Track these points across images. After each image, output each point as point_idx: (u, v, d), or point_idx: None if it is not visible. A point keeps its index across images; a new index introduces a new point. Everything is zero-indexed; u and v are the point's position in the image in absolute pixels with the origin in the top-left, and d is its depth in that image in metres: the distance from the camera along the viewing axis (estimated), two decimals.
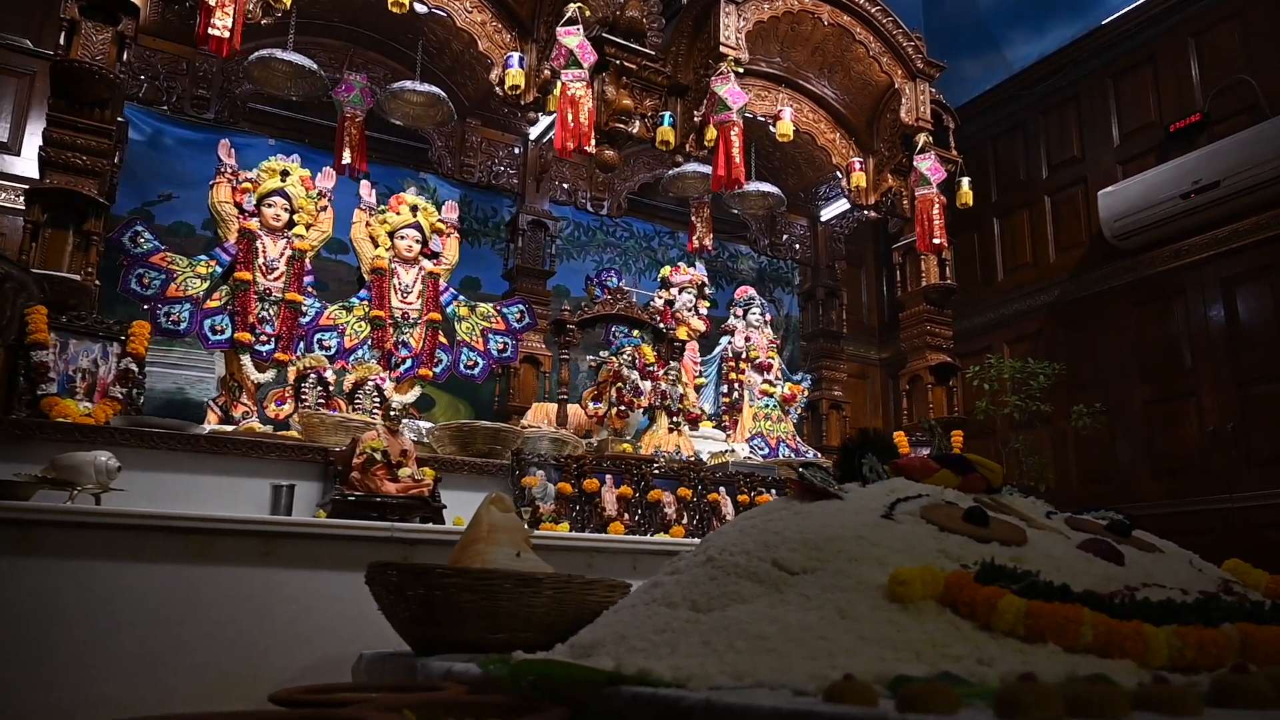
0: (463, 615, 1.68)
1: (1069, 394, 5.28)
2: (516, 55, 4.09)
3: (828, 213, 6.22)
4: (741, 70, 4.28)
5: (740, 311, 5.45)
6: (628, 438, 3.90)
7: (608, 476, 3.29)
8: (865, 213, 5.62)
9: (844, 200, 5.80)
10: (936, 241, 4.86)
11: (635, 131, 4.49)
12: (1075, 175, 6.16)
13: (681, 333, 5.05)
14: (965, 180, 5.23)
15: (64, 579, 2.18)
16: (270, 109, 4.83)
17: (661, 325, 4.59)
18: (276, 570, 2.40)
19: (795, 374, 5.81)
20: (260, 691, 2.22)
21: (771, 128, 4.83)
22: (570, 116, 3.66)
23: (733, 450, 4.59)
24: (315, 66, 4.19)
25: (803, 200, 6.13)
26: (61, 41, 3.12)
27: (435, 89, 4.52)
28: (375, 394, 3.84)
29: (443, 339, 4.29)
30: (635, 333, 4.31)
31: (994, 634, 1.04)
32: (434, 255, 4.39)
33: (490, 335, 4.36)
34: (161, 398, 4.24)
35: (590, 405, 3.88)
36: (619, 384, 3.81)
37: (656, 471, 3.31)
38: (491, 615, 1.70)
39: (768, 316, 5.54)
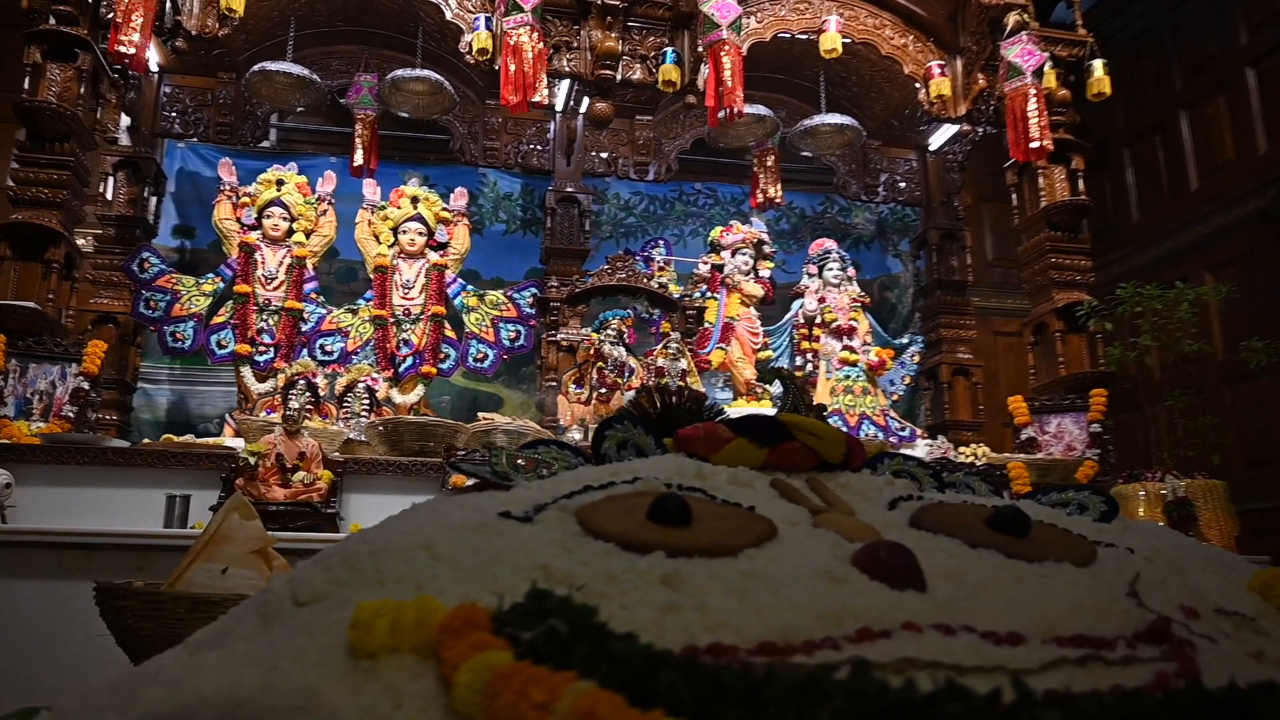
0: (140, 642, 1.61)
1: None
2: (483, 18, 4.01)
3: (937, 139, 5.51)
4: None
5: (814, 269, 4.96)
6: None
7: None
8: (980, 130, 4.91)
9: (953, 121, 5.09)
10: (1036, 145, 4.11)
11: (636, 77, 4.25)
12: None
13: (734, 300, 4.70)
14: (1098, 63, 4.41)
15: None
16: (327, 127, 5.17)
17: (679, 293, 4.29)
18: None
19: (900, 338, 5.20)
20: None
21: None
22: (514, 66, 3.52)
23: None
24: (309, 74, 4.39)
25: (898, 129, 5.48)
26: (26, 85, 3.49)
27: (436, 75, 4.56)
28: (366, 396, 3.93)
29: (450, 333, 4.31)
30: (652, 307, 4.05)
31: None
32: (441, 246, 4.42)
33: (501, 324, 4.31)
34: (196, 415, 4.64)
35: (572, 389, 3.69)
36: (600, 363, 3.58)
37: None
38: (169, 643, 1.61)
39: (850, 272, 4.99)
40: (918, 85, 4.70)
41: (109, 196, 4.38)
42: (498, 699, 0.56)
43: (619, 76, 4.21)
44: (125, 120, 4.43)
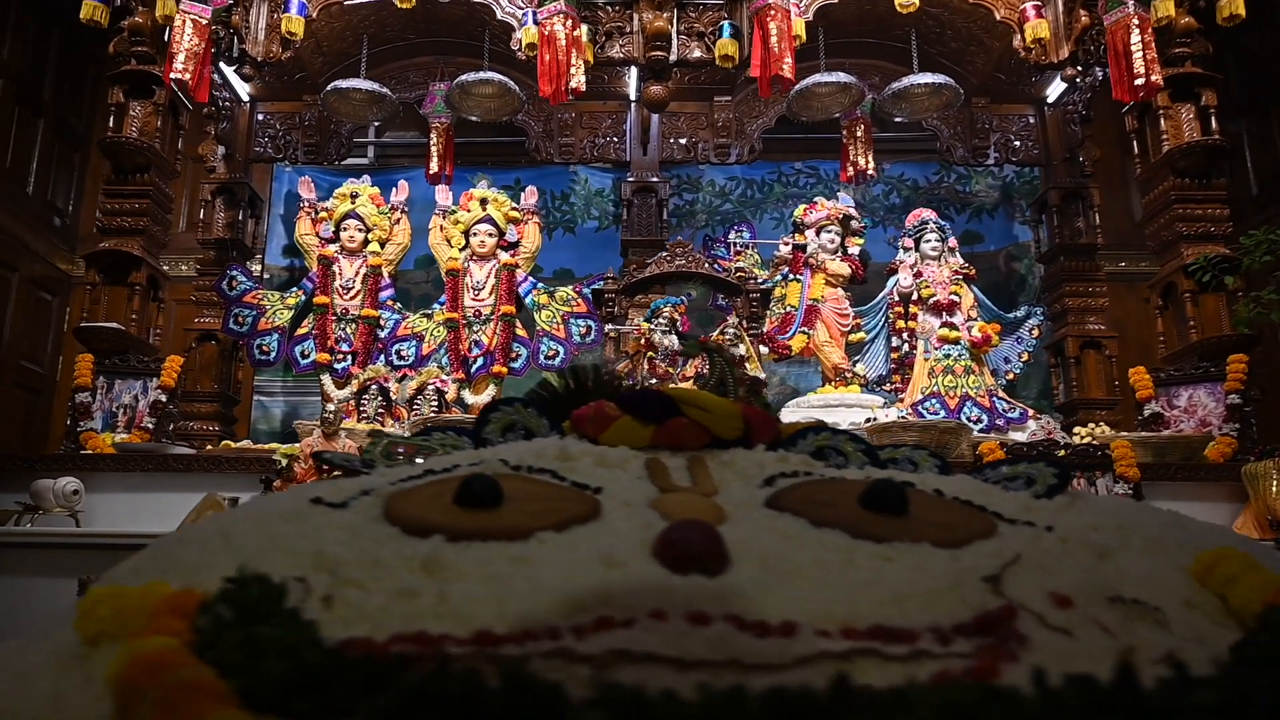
0: None
1: None
2: (531, 12, 4.03)
3: (1055, 90, 5.06)
4: None
5: (910, 242, 4.67)
6: None
7: None
8: (1088, 74, 4.47)
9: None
10: (1141, 83, 3.68)
11: (694, 56, 4.16)
12: None
13: (818, 281, 4.49)
14: None
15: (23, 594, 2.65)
16: (423, 139, 5.39)
17: (763, 277, 4.14)
18: None
19: (1016, 310, 4.79)
20: None
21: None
22: (549, 57, 3.52)
23: (873, 419, 3.92)
24: (379, 88, 4.59)
25: (1007, 83, 5.07)
26: (110, 123, 3.84)
27: (500, 77, 4.64)
28: (435, 398, 4.04)
29: (521, 331, 4.36)
30: (716, 292, 3.94)
31: None
32: (511, 246, 4.49)
33: (572, 320, 4.32)
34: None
35: (625, 381, 3.62)
36: (650, 353, 3.51)
37: None
38: None
39: (951, 242, 4.66)
40: (1013, 31, 4.31)
41: (209, 221, 4.72)
42: (120, 683, 0.54)
43: (674, 57, 4.13)
44: (221, 149, 4.79)
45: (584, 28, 3.98)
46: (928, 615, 0.65)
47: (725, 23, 4.05)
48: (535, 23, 3.95)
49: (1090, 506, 0.98)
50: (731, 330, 3.62)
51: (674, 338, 3.51)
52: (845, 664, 0.58)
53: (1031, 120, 5.23)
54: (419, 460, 1.22)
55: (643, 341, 3.56)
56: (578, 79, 3.54)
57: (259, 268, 5.77)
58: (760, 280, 4.62)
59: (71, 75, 5.53)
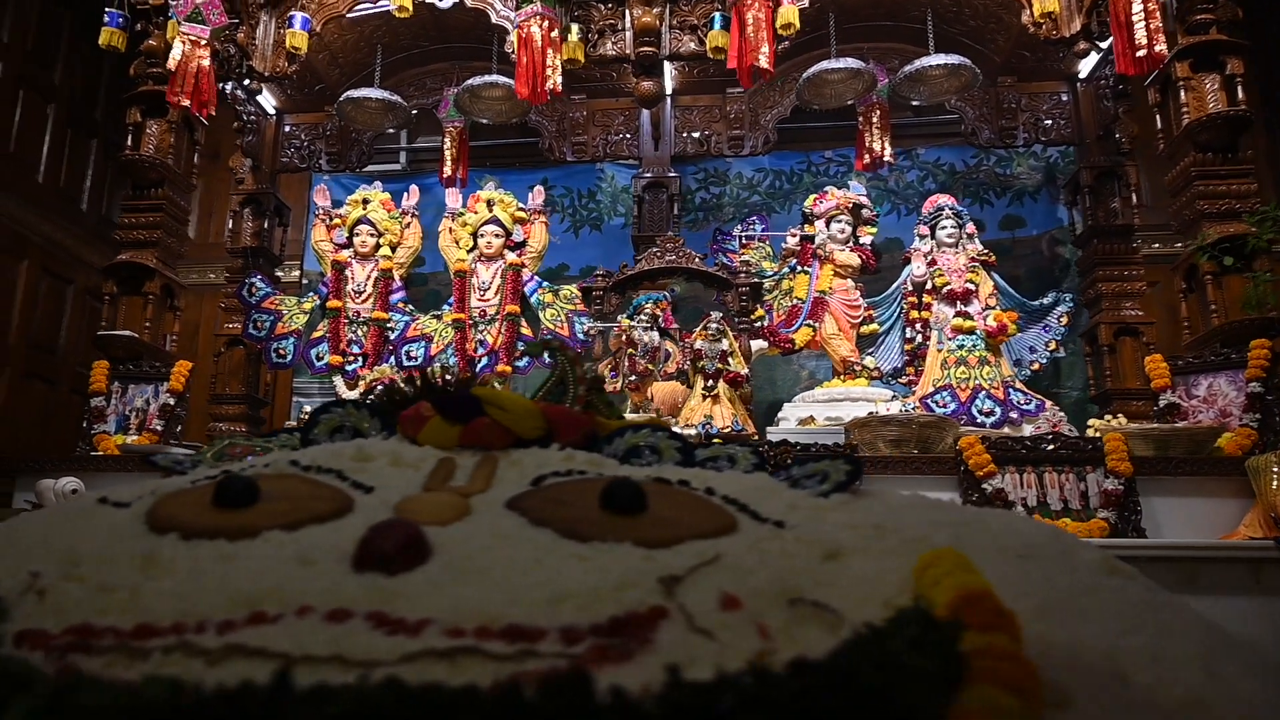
0: None
1: None
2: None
3: (1087, 65, 4.87)
4: None
5: (925, 229, 4.57)
6: (651, 411, 3.60)
7: None
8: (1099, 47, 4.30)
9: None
10: (1142, 54, 3.52)
11: (687, 49, 4.18)
12: None
13: (826, 273, 4.45)
14: None
15: None
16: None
17: (772, 270, 4.13)
18: None
19: (1043, 297, 4.63)
20: None
21: None
22: (525, 59, 3.60)
23: (873, 413, 3.87)
24: (389, 95, 4.77)
25: (1033, 60, 4.90)
26: (129, 142, 4.11)
27: (506, 80, 4.75)
28: None
29: (526, 330, 4.46)
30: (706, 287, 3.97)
31: None
32: (518, 246, 4.60)
33: (575, 318, 4.40)
34: None
35: (608, 377, 3.68)
36: (631, 350, 3.55)
37: None
38: None
39: (968, 228, 4.54)
40: (1023, 5, 4.18)
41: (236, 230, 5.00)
42: None
43: (667, 51, 4.16)
44: (248, 162, 5.05)
45: (575, 27, 4.05)
46: (573, 616, 0.67)
47: (716, 14, 4.06)
48: (514, 25, 4.05)
49: (865, 505, 0.98)
50: (714, 325, 3.63)
51: (655, 334, 3.55)
52: (447, 661, 0.62)
53: (1064, 98, 5.04)
54: (249, 460, 1.31)
55: (624, 338, 3.61)
56: (553, 80, 3.61)
57: (297, 273, 6.07)
58: (769, 273, 4.61)
59: (121, 98, 5.93)
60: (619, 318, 3.77)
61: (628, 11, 4.14)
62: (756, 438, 3.49)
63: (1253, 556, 2.76)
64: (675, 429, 3.38)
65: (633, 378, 3.56)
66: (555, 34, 3.69)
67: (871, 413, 3.85)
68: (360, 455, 1.15)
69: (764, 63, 3.56)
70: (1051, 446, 3.15)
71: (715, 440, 3.17)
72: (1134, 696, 0.62)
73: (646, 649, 0.59)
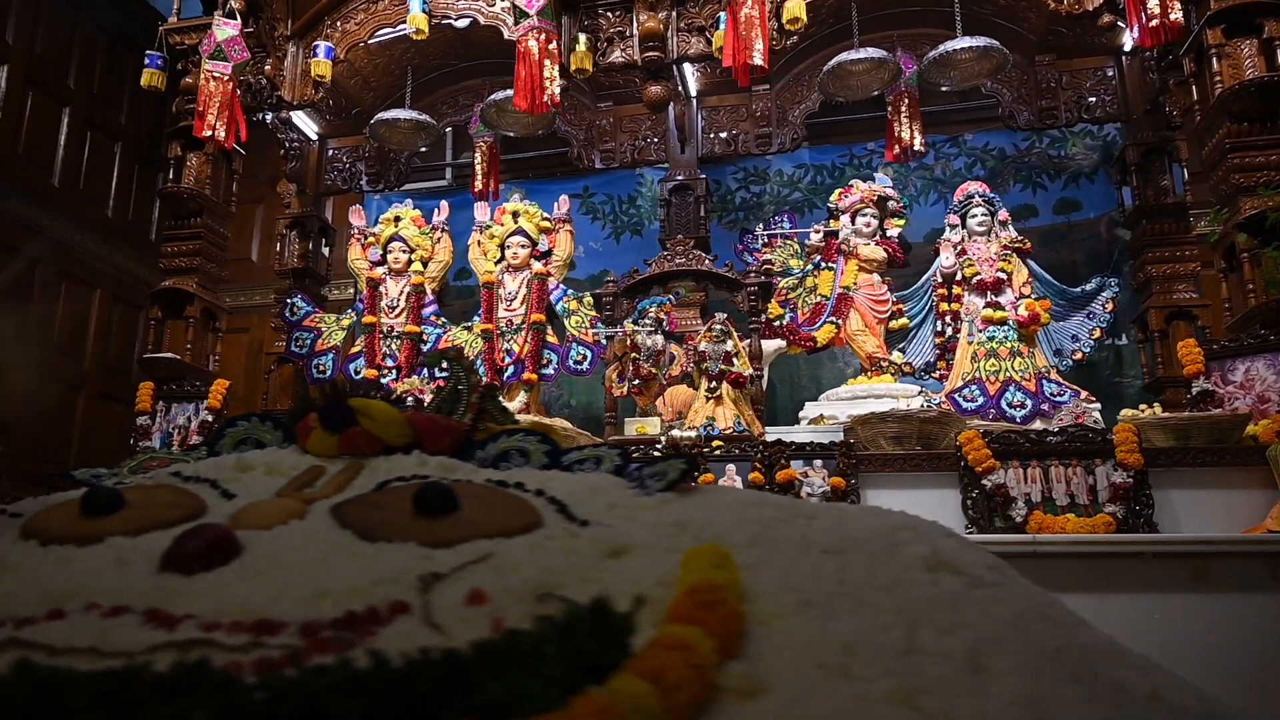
0: None
1: None
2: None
3: (1131, 39, 4.67)
4: None
5: (956, 218, 4.47)
6: (656, 414, 3.64)
7: None
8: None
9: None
10: (1155, 24, 3.38)
11: (694, 50, 4.23)
12: None
13: (851, 268, 4.41)
14: None
15: None
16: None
17: (798, 268, 4.13)
18: None
19: (1085, 284, 4.46)
20: None
21: None
22: (523, 72, 3.72)
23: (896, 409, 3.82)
24: (418, 115, 4.97)
25: (1071, 36, 4.74)
26: (170, 175, 4.42)
27: None
28: None
29: (552, 338, 4.57)
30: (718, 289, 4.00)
31: None
32: (544, 256, 4.72)
33: (598, 324, 4.49)
34: None
35: (616, 383, 3.74)
36: (635, 354, 3.61)
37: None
38: None
39: (1001, 215, 4.42)
40: None
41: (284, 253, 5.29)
42: None
43: (674, 54, 4.21)
44: (293, 187, 5.34)
45: (583, 37, 4.14)
46: (324, 611, 0.75)
47: (721, 15, 4.08)
48: (514, 40, 4.17)
49: (684, 504, 1.03)
50: (718, 327, 3.65)
51: (659, 338, 3.60)
52: (182, 652, 0.70)
53: (1109, 73, 4.85)
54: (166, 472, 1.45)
55: (629, 343, 3.67)
56: (551, 91, 3.70)
57: (352, 290, 6.34)
58: (795, 271, 4.60)
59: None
60: (624, 322, 3.84)
61: (634, 18, 4.21)
62: (763, 437, 3.49)
63: (1269, 551, 2.62)
64: (678, 430, 3.43)
65: (636, 382, 3.62)
66: (553, 46, 3.79)
67: (893, 408, 3.81)
68: (240, 465, 1.25)
69: (758, 60, 3.57)
70: (1056, 440, 3.05)
71: (716, 442, 3.19)
72: (852, 689, 0.65)
73: (367, 640, 0.64)
